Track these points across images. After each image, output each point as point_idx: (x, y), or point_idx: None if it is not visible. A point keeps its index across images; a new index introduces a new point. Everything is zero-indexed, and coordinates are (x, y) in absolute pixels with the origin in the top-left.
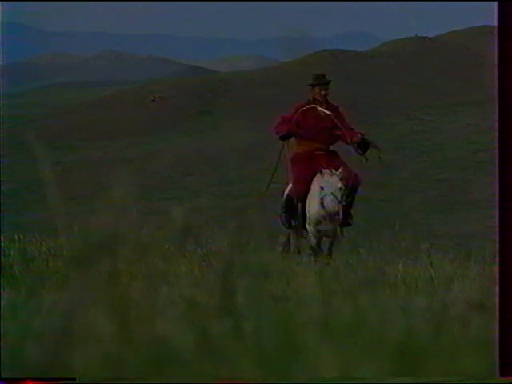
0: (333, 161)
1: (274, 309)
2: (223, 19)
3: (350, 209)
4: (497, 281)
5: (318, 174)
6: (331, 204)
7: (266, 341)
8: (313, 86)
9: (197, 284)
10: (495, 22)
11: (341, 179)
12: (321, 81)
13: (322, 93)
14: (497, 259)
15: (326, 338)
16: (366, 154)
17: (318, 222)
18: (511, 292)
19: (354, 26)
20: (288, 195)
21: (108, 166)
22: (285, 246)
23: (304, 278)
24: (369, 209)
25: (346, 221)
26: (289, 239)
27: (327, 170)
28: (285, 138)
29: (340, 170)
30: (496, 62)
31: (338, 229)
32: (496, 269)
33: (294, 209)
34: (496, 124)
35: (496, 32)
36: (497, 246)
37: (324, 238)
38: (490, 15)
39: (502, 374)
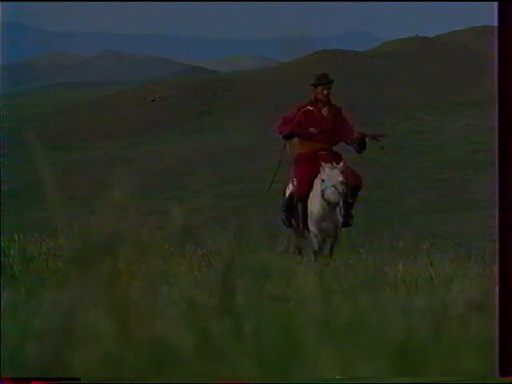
0: (336, 161)
1: (274, 309)
2: (223, 19)
3: (351, 209)
4: (497, 281)
5: (320, 171)
6: (332, 196)
7: (266, 341)
8: (315, 85)
9: (197, 284)
10: (495, 22)
11: (342, 173)
12: (323, 80)
13: (325, 92)
14: (497, 259)
15: (326, 338)
16: (364, 152)
17: (320, 220)
18: (511, 292)
19: (354, 26)
20: (289, 195)
21: (108, 166)
22: (285, 246)
23: (304, 277)
24: (369, 209)
25: (347, 221)
26: (289, 239)
27: (328, 164)
28: (288, 137)
29: (341, 163)
30: (496, 61)
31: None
32: (496, 269)
33: (294, 208)
34: (496, 124)
35: (496, 32)
36: (497, 246)
37: (326, 238)
38: (489, 15)
39: (502, 374)
